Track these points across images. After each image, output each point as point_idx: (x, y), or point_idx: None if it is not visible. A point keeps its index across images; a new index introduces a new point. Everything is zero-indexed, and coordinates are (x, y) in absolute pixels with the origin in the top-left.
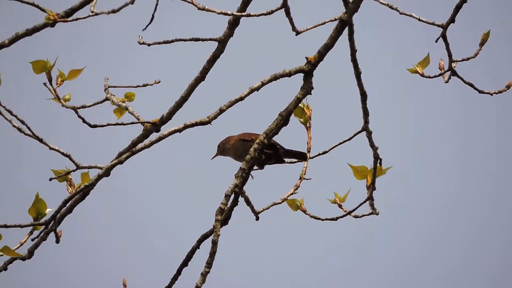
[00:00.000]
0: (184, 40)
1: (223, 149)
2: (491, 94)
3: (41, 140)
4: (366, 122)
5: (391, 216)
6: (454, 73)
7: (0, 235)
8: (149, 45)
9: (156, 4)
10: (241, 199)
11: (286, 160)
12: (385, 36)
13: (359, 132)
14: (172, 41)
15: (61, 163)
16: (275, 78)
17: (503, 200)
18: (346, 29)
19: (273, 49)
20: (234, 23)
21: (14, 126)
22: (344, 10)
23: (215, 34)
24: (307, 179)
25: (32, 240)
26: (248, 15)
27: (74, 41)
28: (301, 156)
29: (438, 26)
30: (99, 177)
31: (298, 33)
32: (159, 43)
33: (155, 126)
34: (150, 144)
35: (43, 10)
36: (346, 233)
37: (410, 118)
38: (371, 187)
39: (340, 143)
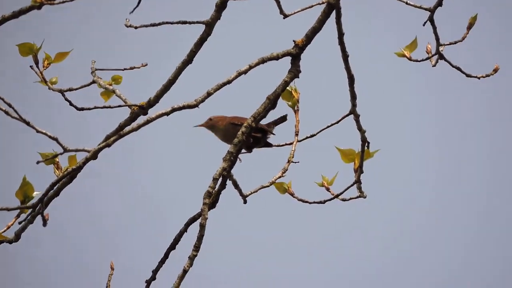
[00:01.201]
0: (171, 23)
1: (212, 125)
2: (479, 78)
3: (28, 123)
4: (354, 105)
5: (379, 199)
6: (441, 56)
7: None
8: (136, 27)
9: None
10: (229, 183)
11: (274, 144)
12: (372, 20)
13: (347, 115)
14: (159, 24)
15: (48, 146)
16: (263, 61)
17: (490, 180)
18: (334, 12)
19: (261, 32)
20: (221, 6)
21: (0, 109)
22: None
23: (202, 17)
24: (295, 162)
25: (19, 223)
26: None
27: (60, 24)
28: (282, 119)
29: (426, 9)
30: (87, 160)
31: (285, 16)
32: (146, 26)
33: (142, 109)
34: (138, 127)
35: None
36: (333, 216)
37: (398, 101)
38: (359, 170)
39: (328, 126)
